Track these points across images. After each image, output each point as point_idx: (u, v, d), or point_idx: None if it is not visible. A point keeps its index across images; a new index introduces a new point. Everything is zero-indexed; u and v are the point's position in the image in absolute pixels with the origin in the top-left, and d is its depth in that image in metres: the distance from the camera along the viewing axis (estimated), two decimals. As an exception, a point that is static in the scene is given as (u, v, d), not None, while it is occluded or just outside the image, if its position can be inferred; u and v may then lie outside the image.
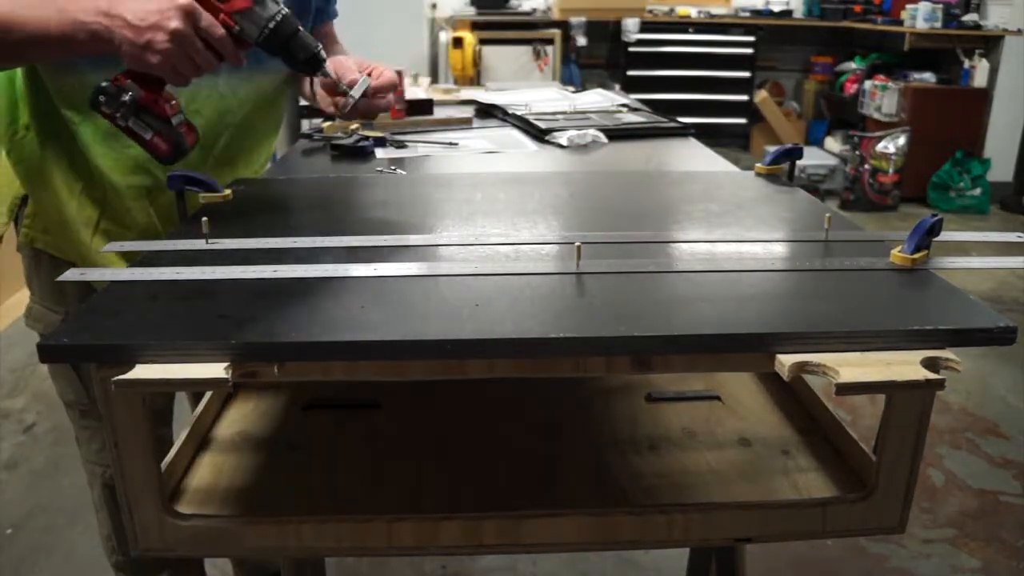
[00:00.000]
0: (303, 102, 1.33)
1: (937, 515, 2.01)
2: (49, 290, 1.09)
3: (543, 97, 2.00)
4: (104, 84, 0.88)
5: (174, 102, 0.91)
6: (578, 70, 5.23)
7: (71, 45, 0.84)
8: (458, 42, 4.64)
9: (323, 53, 0.90)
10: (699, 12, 5.45)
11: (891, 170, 4.58)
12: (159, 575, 1.24)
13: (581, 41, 5.09)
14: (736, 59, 5.46)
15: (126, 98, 0.88)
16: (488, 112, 1.86)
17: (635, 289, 0.76)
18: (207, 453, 0.87)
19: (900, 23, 4.89)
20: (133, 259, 0.85)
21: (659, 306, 0.73)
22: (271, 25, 0.85)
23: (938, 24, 4.67)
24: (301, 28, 0.88)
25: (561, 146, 1.53)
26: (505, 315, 0.70)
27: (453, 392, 0.98)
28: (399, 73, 1.10)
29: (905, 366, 0.63)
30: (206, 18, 0.82)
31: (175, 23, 0.80)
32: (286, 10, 0.86)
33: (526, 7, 5.30)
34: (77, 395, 1.11)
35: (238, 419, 0.94)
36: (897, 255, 0.80)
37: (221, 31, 0.83)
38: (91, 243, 1.04)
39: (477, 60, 4.71)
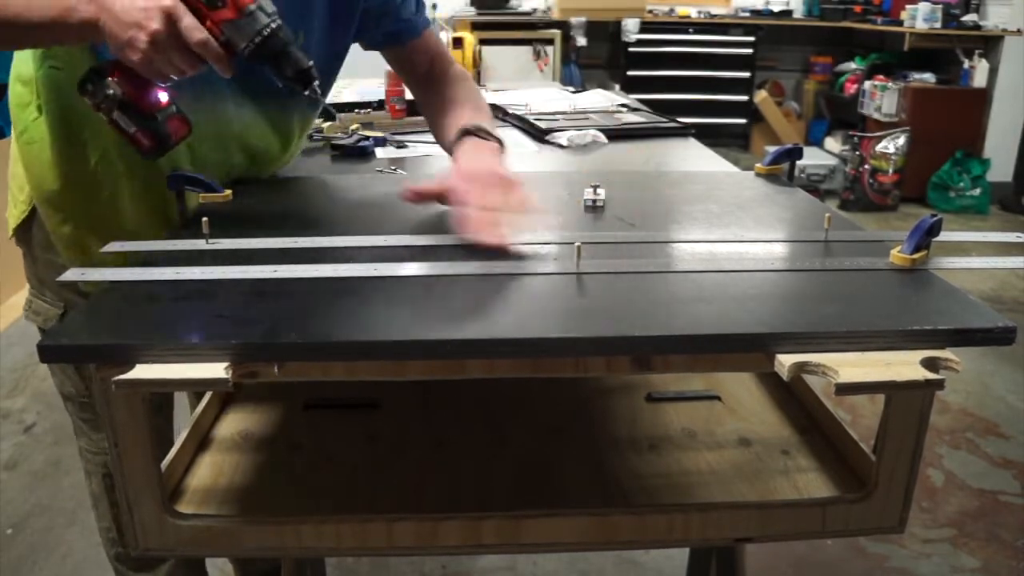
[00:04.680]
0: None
1: (937, 515, 2.01)
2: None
3: (543, 97, 2.00)
4: (93, 68, 0.87)
5: (164, 97, 0.89)
6: (578, 70, 5.22)
7: (63, 31, 0.83)
8: (458, 42, 4.63)
9: (314, 72, 0.87)
10: (699, 12, 5.45)
11: (891, 170, 4.58)
12: (160, 568, 1.25)
13: (581, 41, 5.09)
14: (736, 59, 5.46)
15: (110, 92, 0.87)
16: (488, 112, 1.86)
17: (635, 289, 0.76)
18: (207, 453, 0.87)
19: (900, 23, 4.89)
20: (133, 259, 0.85)
21: (659, 306, 0.74)
22: (257, 39, 0.83)
23: (938, 24, 4.67)
24: (292, 44, 0.85)
25: (561, 146, 1.53)
26: (505, 315, 0.70)
27: (453, 392, 0.98)
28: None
29: (905, 366, 0.63)
30: (188, 21, 0.81)
31: (155, 24, 0.79)
32: (277, 23, 0.84)
33: (526, 7, 5.30)
34: (76, 388, 1.13)
35: (238, 419, 0.94)
36: (897, 255, 0.80)
37: (201, 35, 0.81)
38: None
39: (477, 60, 4.70)
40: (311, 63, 0.87)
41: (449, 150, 1.08)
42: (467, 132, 1.05)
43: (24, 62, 1.01)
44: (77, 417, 1.17)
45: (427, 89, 1.21)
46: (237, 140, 1.08)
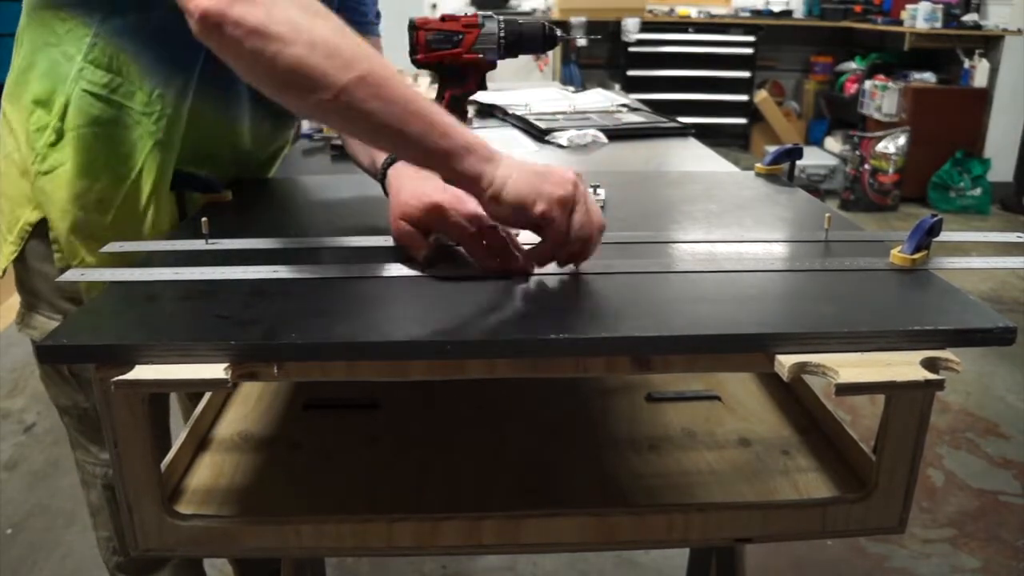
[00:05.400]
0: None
1: (937, 515, 2.01)
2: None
3: (543, 97, 2.00)
4: None
5: None
6: (578, 70, 5.22)
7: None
8: (458, 42, 4.62)
9: (549, 28, 0.97)
10: (699, 12, 5.45)
11: (891, 170, 4.58)
12: (158, 573, 1.25)
13: (581, 41, 5.09)
14: (736, 59, 5.46)
15: None
16: (488, 112, 1.86)
17: (635, 289, 0.76)
18: (207, 453, 0.87)
19: (900, 23, 4.88)
20: (133, 259, 0.85)
21: (659, 306, 0.73)
22: (503, 38, 0.95)
23: (938, 24, 4.67)
24: (523, 23, 0.96)
25: (561, 146, 1.53)
26: (505, 315, 0.70)
27: (453, 392, 0.98)
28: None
29: (905, 366, 0.63)
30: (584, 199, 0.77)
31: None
32: (502, 17, 0.94)
33: (526, 7, 5.30)
34: (73, 399, 1.10)
35: (238, 419, 0.94)
36: (897, 255, 0.80)
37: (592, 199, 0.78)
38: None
39: (477, 60, 4.69)
40: (544, 23, 0.96)
41: (379, 175, 0.94)
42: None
43: (39, 79, 0.92)
44: (74, 430, 1.13)
45: None
46: (236, 141, 1.07)
